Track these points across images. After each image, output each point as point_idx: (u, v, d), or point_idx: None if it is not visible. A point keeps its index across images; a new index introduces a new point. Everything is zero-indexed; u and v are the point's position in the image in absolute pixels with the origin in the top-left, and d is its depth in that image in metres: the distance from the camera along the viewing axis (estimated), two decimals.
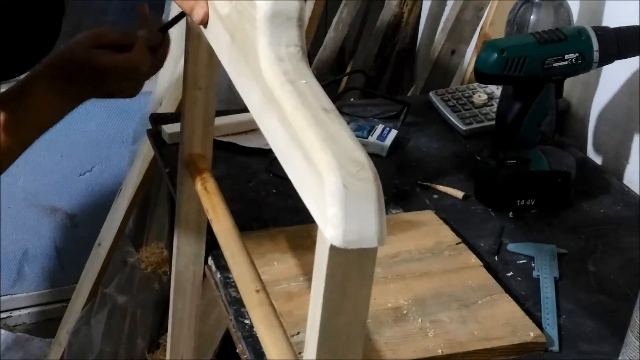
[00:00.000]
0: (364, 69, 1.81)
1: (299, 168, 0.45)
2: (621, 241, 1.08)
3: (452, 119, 1.37)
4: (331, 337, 0.45)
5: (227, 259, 0.68)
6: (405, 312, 0.89)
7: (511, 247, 1.05)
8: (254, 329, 0.88)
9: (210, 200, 0.78)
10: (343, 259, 0.42)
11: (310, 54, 1.97)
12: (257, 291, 0.61)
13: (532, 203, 1.13)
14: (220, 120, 1.25)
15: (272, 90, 0.49)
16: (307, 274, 0.93)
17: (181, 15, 0.85)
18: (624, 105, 1.28)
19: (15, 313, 2.36)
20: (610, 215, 1.14)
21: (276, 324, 0.56)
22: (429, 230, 1.04)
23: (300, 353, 0.55)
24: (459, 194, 1.15)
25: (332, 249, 0.41)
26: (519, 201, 1.13)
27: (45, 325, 2.36)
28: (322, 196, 0.41)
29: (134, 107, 2.18)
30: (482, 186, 1.16)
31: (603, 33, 1.07)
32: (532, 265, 1.01)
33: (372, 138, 1.26)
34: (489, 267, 0.98)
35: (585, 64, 1.07)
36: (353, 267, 0.42)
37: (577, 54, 1.06)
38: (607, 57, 1.08)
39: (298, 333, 0.83)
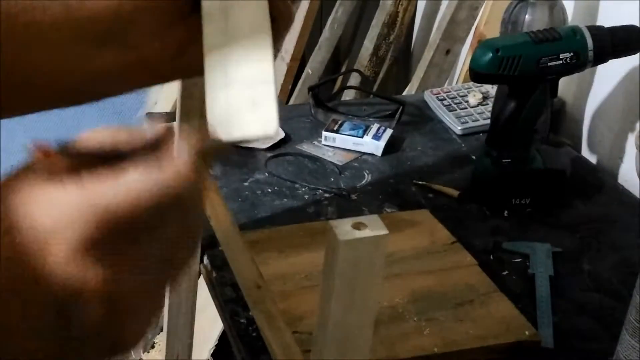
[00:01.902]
0: (359, 68, 1.81)
1: None
2: (616, 240, 1.08)
3: (448, 118, 1.37)
4: (341, 334, 0.45)
5: (227, 256, 0.68)
6: (400, 310, 0.89)
7: (506, 245, 1.05)
8: (250, 328, 0.88)
9: (208, 197, 0.78)
10: (354, 255, 0.42)
11: (305, 53, 1.98)
12: (259, 287, 0.61)
13: (527, 202, 1.13)
14: None
15: None
16: (303, 272, 0.93)
17: None
18: (618, 104, 1.28)
19: None
20: (605, 214, 1.14)
21: (279, 319, 0.56)
22: (424, 229, 1.04)
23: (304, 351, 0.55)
24: (454, 193, 1.16)
25: (344, 244, 0.41)
26: (514, 200, 1.13)
27: None
28: None
29: (129, 107, 2.18)
30: (477, 185, 1.16)
31: (598, 32, 1.07)
32: (527, 263, 1.01)
33: (367, 137, 1.26)
34: (484, 265, 0.98)
35: (580, 63, 1.07)
36: (363, 263, 0.42)
37: (571, 53, 1.06)
38: (602, 57, 1.08)
39: (295, 332, 0.83)
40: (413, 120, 1.39)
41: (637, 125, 1.23)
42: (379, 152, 1.26)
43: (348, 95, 1.80)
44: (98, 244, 0.37)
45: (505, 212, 1.12)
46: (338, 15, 1.88)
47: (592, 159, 1.33)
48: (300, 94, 1.93)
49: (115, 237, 0.37)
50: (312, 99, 1.38)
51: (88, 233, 0.36)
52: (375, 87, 1.84)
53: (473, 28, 1.58)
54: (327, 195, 1.15)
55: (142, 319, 0.40)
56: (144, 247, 0.38)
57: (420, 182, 1.18)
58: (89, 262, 0.37)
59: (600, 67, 1.22)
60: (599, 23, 1.23)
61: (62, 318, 0.37)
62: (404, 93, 1.70)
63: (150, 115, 1.37)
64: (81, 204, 0.36)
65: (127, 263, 0.38)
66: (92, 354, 0.39)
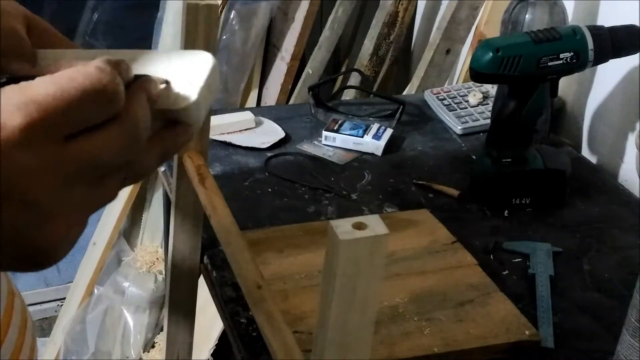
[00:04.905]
0: (359, 68, 1.81)
1: None
2: (616, 239, 1.08)
3: (448, 118, 1.37)
4: (341, 334, 0.45)
5: (227, 255, 0.68)
6: (401, 310, 0.89)
7: (506, 245, 1.05)
8: (250, 328, 0.88)
9: (209, 197, 0.78)
10: (354, 255, 0.42)
11: (305, 53, 1.98)
12: (259, 287, 0.60)
13: (527, 202, 1.13)
14: (215, 120, 1.25)
15: None
16: (303, 272, 0.93)
17: None
18: (618, 104, 1.28)
19: None
20: (605, 214, 1.14)
21: (280, 320, 0.56)
22: (424, 229, 1.04)
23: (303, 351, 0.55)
24: (455, 192, 1.16)
25: (344, 244, 0.41)
26: (514, 200, 1.13)
27: (40, 324, 2.36)
28: None
29: None
30: (478, 185, 1.16)
31: (598, 32, 1.07)
32: (527, 263, 1.01)
33: (368, 137, 1.26)
34: (484, 265, 0.98)
35: (580, 63, 1.07)
36: (363, 263, 0.42)
37: (572, 53, 1.06)
38: (602, 56, 1.08)
39: (295, 332, 0.83)
40: (413, 120, 1.39)
41: (637, 125, 1.23)
42: (379, 152, 1.26)
43: (348, 95, 1.80)
44: (32, 139, 0.38)
45: (506, 212, 1.12)
46: (338, 15, 1.88)
47: (592, 159, 1.33)
48: (300, 94, 1.93)
49: (49, 134, 0.39)
50: (312, 98, 1.38)
51: (23, 126, 0.38)
52: (375, 87, 1.84)
53: (473, 28, 1.58)
54: (327, 195, 1.15)
55: (60, 226, 0.41)
56: (74, 149, 0.40)
57: (420, 182, 1.18)
58: (21, 159, 0.38)
59: (600, 67, 1.22)
60: (599, 23, 1.23)
61: None
62: (404, 93, 1.70)
63: None
64: (15, 98, 0.38)
65: (57, 167, 0.39)
66: (7, 261, 0.40)
